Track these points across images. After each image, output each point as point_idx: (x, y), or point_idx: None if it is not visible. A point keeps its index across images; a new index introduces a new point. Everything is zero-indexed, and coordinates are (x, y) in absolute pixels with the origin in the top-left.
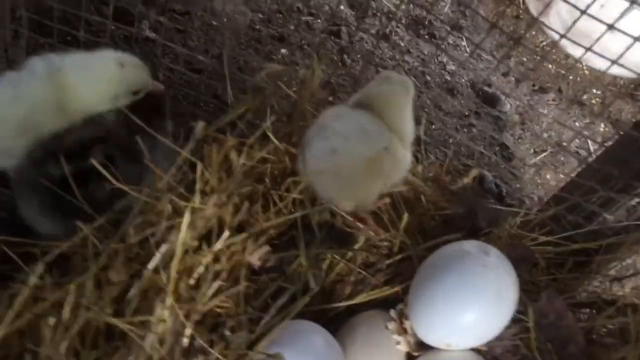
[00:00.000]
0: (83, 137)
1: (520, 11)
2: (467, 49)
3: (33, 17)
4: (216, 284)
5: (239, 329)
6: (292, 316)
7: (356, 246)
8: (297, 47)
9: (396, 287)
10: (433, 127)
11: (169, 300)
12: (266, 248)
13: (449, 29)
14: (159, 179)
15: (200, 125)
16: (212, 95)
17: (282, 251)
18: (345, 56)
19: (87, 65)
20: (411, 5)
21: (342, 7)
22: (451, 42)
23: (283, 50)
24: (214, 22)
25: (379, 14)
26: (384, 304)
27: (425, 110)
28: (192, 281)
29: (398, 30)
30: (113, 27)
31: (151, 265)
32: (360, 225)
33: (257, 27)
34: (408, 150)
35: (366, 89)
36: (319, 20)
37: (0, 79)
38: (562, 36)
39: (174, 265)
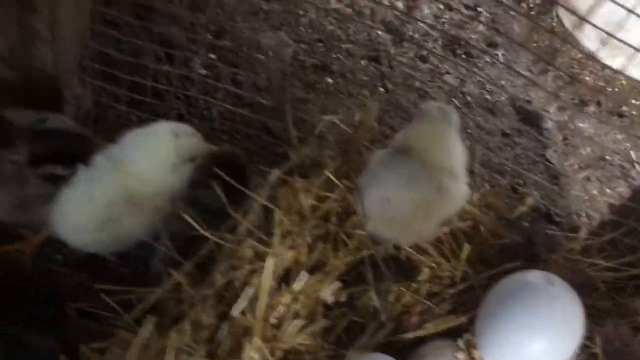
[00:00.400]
0: None
1: (554, 25)
2: (504, 66)
3: (98, 67)
4: (297, 323)
5: None
6: (369, 350)
7: (421, 278)
8: (340, 75)
9: (462, 317)
10: (477, 147)
11: (257, 340)
12: (337, 284)
13: (484, 47)
14: (239, 225)
15: (274, 174)
16: (262, 128)
17: (351, 286)
18: (386, 81)
19: (143, 142)
20: (446, 26)
21: (379, 33)
22: (488, 60)
23: (327, 79)
24: (261, 56)
25: (415, 36)
26: (449, 333)
27: (468, 131)
28: (273, 320)
29: (435, 51)
30: (169, 69)
31: (238, 308)
32: (423, 258)
33: (301, 57)
34: (462, 181)
35: (407, 130)
36: (358, 47)
37: (75, 178)
38: (617, 72)
39: (260, 308)
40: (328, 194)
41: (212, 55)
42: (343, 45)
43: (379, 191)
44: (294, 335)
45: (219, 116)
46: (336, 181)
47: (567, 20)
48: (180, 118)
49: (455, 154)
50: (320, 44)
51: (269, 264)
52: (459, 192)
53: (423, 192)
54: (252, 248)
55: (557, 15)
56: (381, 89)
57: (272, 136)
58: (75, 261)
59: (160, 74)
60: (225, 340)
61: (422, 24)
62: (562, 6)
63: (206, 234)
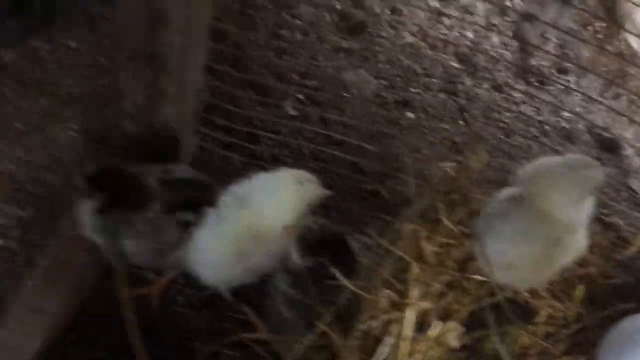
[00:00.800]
0: None
1: (622, 47)
2: (578, 92)
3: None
4: None
5: None
6: None
7: (538, 320)
8: (421, 110)
9: (581, 359)
10: None
11: None
12: (461, 329)
13: (556, 73)
14: (376, 275)
15: (407, 227)
16: (352, 167)
17: (471, 330)
18: (465, 114)
19: (269, 187)
20: (518, 54)
21: (453, 64)
22: (561, 87)
23: (409, 115)
24: (345, 95)
25: (488, 66)
26: None
27: None
28: None
29: (509, 80)
30: (259, 109)
31: (380, 357)
32: (538, 302)
33: (382, 93)
34: (581, 233)
35: (526, 175)
36: (435, 80)
37: (206, 219)
38: None
39: (402, 357)
40: (447, 240)
41: (300, 96)
42: (421, 80)
43: (496, 243)
44: None
45: (310, 156)
46: (454, 228)
47: (635, 42)
48: (274, 159)
49: (580, 207)
50: (399, 79)
51: (410, 316)
52: (578, 244)
53: (541, 247)
54: (388, 298)
55: (625, 38)
56: (461, 122)
57: (362, 174)
58: (197, 302)
59: (255, 117)
60: None
61: (492, 52)
62: (628, 31)
63: (347, 283)
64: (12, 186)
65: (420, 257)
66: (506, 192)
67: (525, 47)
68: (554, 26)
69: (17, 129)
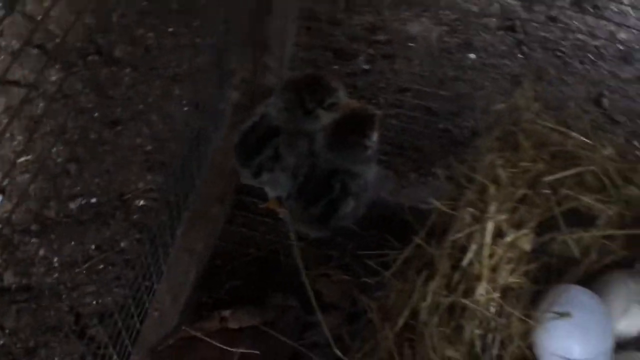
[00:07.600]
0: None
1: None
2: (632, 12)
3: None
4: (508, 267)
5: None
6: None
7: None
8: (482, 50)
9: None
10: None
11: (484, 283)
12: (532, 235)
13: None
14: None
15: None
16: (423, 109)
17: (540, 235)
18: (523, 47)
19: None
20: None
21: (509, 1)
22: (615, 9)
23: (471, 56)
24: (412, 45)
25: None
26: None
27: (606, 82)
28: (490, 266)
29: (565, 10)
30: (337, 67)
31: (467, 260)
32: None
33: (445, 39)
34: None
35: None
36: (493, 19)
37: None
38: None
39: (485, 259)
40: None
41: (371, 51)
42: (480, 21)
43: None
44: (507, 276)
45: (385, 103)
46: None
47: None
48: None
49: None
50: (459, 23)
51: (489, 226)
52: None
53: None
54: (471, 214)
55: None
56: (520, 56)
57: (432, 114)
58: None
59: (332, 72)
60: (459, 285)
61: None
62: None
63: (437, 204)
64: (143, 157)
65: (496, 180)
66: None
67: None
68: None
69: (140, 109)
